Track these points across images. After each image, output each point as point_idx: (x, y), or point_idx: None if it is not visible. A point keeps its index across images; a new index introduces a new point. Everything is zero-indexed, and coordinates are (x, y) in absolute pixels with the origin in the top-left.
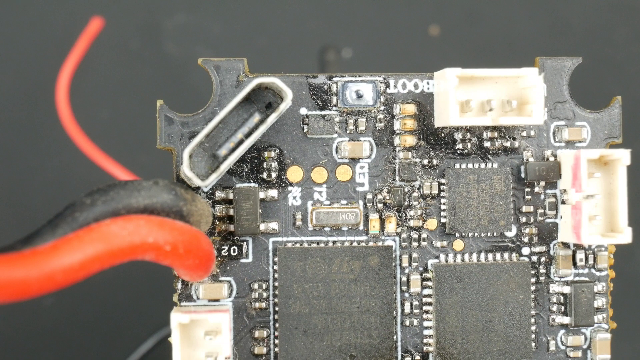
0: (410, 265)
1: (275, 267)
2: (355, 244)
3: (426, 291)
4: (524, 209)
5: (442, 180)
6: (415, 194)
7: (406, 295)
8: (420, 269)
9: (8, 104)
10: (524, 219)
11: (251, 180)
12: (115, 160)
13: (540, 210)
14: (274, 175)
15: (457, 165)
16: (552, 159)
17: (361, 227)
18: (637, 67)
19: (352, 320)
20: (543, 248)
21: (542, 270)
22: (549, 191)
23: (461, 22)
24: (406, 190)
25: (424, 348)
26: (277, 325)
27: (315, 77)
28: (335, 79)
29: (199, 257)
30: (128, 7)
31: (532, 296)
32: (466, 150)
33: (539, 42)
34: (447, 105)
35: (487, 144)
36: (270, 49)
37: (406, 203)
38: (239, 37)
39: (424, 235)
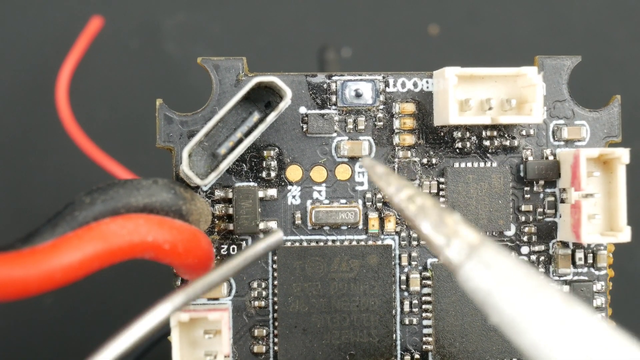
0: (409, 264)
1: (275, 266)
2: (354, 243)
3: (425, 290)
4: (523, 208)
5: (442, 179)
6: None
7: (405, 294)
8: (420, 267)
9: (8, 103)
10: (523, 218)
11: (250, 179)
12: (115, 159)
13: (540, 209)
14: (273, 174)
15: (457, 164)
16: (551, 157)
17: (360, 226)
18: (637, 66)
19: (351, 319)
20: (542, 247)
21: (542, 270)
22: (548, 190)
23: (461, 21)
24: None
25: (423, 347)
26: (276, 324)
27: (315, 76)
28: (334, 78)
29: (198, 256)
30: (128, 6)
31: None
32: (465, 149)
33: (538, 41)
34: (447, 104)
35: (486, 143)
36: (269, 48)
37: None
38: (238, 36)
39: None
